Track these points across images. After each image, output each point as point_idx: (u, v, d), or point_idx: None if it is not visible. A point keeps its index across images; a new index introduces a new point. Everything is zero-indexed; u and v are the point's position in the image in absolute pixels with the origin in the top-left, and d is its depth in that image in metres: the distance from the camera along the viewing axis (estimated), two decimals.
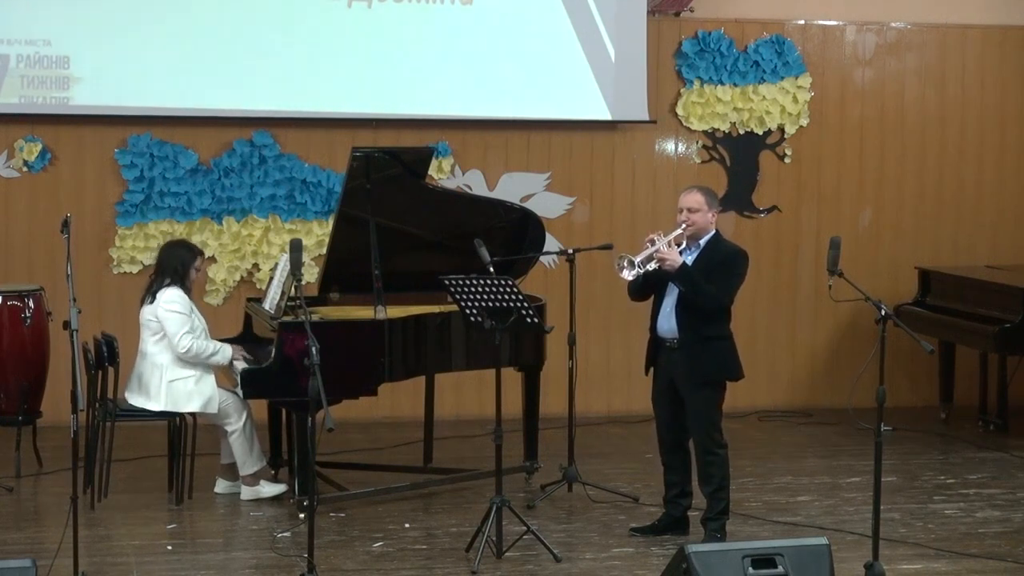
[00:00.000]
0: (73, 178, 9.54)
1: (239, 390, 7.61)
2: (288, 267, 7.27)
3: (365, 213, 7.79)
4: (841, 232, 8.45)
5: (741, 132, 10.29)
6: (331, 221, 8.76)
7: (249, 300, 8.53)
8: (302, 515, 7.21)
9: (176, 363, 7.67)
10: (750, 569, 5.44)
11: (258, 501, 7.75)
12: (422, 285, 7.85)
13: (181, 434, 7.68)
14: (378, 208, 7.82)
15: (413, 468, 8.42)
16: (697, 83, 10.19)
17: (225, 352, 7.74)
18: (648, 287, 7.03)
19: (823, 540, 5.68)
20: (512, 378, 7.95)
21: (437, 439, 8.68)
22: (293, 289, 7.22)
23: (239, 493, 7.82)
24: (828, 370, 10.48)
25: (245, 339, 8.16)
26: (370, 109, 9.69)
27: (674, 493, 7.18)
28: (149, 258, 9.27)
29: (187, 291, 7.78)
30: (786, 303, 10.48)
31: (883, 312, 6.16)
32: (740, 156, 10.34)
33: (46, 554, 6.37)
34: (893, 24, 10.51)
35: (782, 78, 10.27)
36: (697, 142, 10.30)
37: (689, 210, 6.94)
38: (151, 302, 7.72)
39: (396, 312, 7.68)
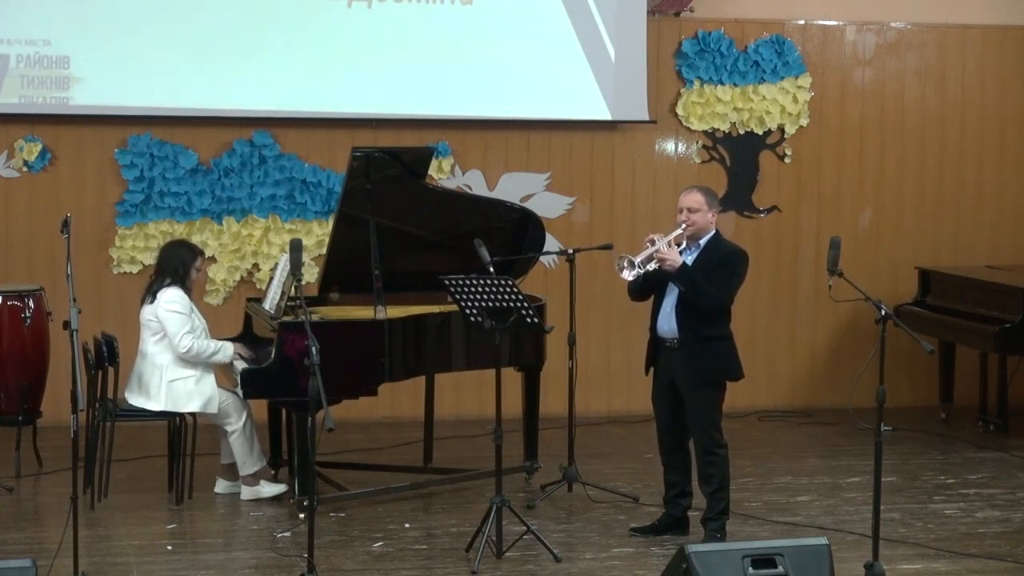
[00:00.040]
0: (73, 178, 9.54)
1: (239, 390, 7.61)
2: (288, 267, 7.27)
3: (365, 213, 7.79)
4: (841, 232, 8.45)
5: (741, 132, 10.29)
6: (331, 221, 8.76)
7: (249, 300, 8.53)
8: (302, 515, 7.21)
9: (176, 363, 7.67)
10: (750, 569, 5.44)
11: (258, 501, 7.75)
12: (422, 285, 7.85)
13: (181, 434, 7.68)
14: (378, 208, 7.82)
15: (413, 468, 8.42)
16: (697, 83, 10.19)
17: (226, 351, 7.74)
18: (648, 287, 7.03)
19: (823, 540, 5.68)
20: (512, 378, 7.95)
21: (437, 439, 8.68)
22: (293, 289, 7.22)
23: (239, 493, 7.82)
24: (828, 370, 10.48)
25: (245, 339, 8.15)
26: (370, 109, 9.69)
27: (674, 493, 7.18)
28: (149, 258, 9.27)
29: (187, 291, 7.78)
30: (786, 303, 10.48)
31: (883, 312, 6.16)
32: (740, 156, 10.34)
33: (46, 554, 6.37)
34: (893, 24, 10.51)
35: (782, 78, 10.27)
36: (697, 142, 10.30)
37: (689, 210, 6.94)
38: (151, 302, 7.72)
39: (396, 312, 7.68)
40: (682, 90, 10.21)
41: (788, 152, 10.36)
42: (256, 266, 9.70)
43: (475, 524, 6.93)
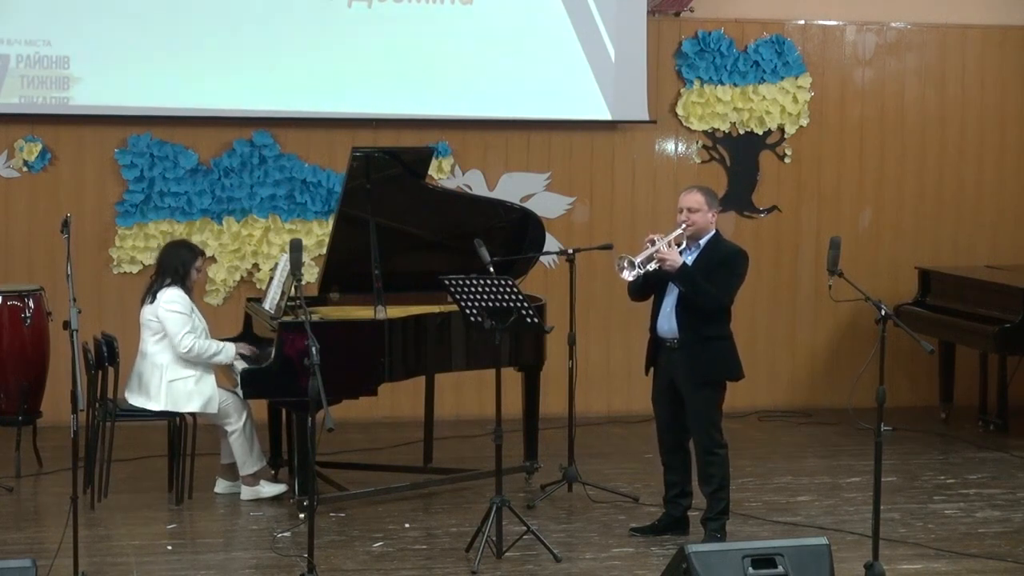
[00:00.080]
0: (73, 178, 9.54)
1: (239, 390, 7.61)
2: (288, 267, 7.27)
3: (365, 213, 7.79)
4: (841, 232, 8.45)
5: (741, 132, 10.29)
6: (331, 221, 8.76)
7: (249, 300, 8.53)
8: (302, 515, 7.21)
9: (176, 363, 7.67)
10: (750, 569, 5.44)
11: (258, 501, 7.75)
12: (422, 285, 7.85)
13: (181, 434, 7.68)
14: (378, 208, 7.82)
15: (413, 468, 8.42)
16: (697, 83, 10.18)
17: (228, 352, 7.74)
18: (648, 287, 7.03)
19: (823, 540, 5.68)
20: (512, 378, 7.95)
21: (437, 439, 8.67)
22: (293, 289, 7.22)
23: (239, 493, 7.82)
24: (828, 370, 10.48)
25: (245, 339, 8.15)
26: (370, 109, 9.69)
27: (674, 493, 7.18)
28: (149, 258, 9.27)
29: (188, 291, 7.78)
30: (786, 303, 10.48)
31: (883, 312, 6.16)
32: (740, 156, 10.34)
33: (46, 554, 6.37)
34: (893, 24, 10.51)
35: (782, 78, 10.27)
36: (697, 142, 10.30)
37: (689, 210, 6.94)
38: (151, 302, 7.72)
39: (396, 312, 7.68)
40: (682, 90, 10.21)
41: (788, 152, 10.36)
42: (256, 266, 9.70)
43: (475, 524, 6.93)
